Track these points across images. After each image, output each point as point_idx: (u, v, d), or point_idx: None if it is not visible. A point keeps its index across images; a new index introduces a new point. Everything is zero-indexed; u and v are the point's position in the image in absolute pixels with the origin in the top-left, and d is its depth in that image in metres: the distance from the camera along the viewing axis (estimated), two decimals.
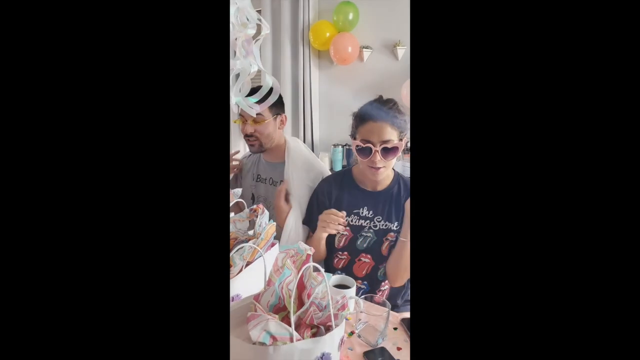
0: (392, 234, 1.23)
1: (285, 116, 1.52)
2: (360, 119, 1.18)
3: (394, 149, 1.14)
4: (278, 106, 1.46)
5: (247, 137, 1.47)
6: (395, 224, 1.23)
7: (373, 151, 1.14)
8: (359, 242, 1.27)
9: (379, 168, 1.16)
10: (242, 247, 0.86)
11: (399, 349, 0.89)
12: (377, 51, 2.66)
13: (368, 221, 1.25)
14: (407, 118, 1.19)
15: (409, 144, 1.29)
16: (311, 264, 0.69)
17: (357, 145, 1.17)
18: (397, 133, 1.15)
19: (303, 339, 0.63)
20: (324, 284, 0.68)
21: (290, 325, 0.60)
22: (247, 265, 0.92)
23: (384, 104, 1.18)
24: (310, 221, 1.39)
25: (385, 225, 1.24)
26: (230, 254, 0.83)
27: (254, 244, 0.91)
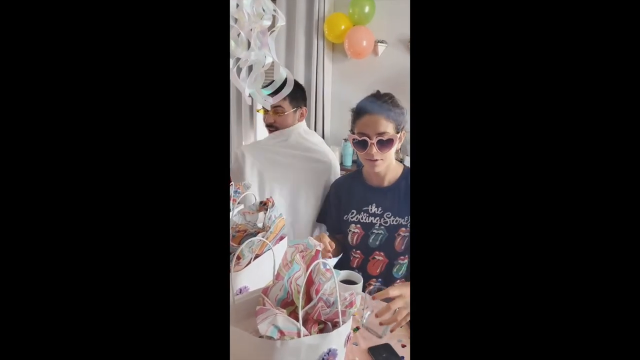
0: (403, 229, 1.23)
1: (305, 109, 1.56)
2: (357, 113, 1.23)
3: (389, 141, 1.17)
4: (299, 99, 1.52)
5: (268, 126, 1.54)
6: (406, 218, 1.23)
7: (369, 144, 1.17)
8: (371, 240, 1.27)
9: (376, 160, 1.19)
10: (251, 241, 0.87)
11: (403, 345, 0.89)
12: (392, 46, 2.64)
13: (378, 218, 1.26)
14: (405, 111, 1.22)
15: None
16: (320, 260, 0.69)
17: (353, 139, 1.21)
18: (392, 126, 1.18)
19: (310, 334, 0.63)
20: (333, 280, 0.68)
21: (297, 320, 0.61)
22: (255, 257, 0.93)
23: (380, 98, 1.22)
24: (324, 220, 1.44)
25: (396, 221, 1.24)
26: (240, 247, 0.83)
27: (263, 237, 0.92)
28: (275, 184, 1.47)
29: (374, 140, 1.16)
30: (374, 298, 0.93)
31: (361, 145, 1.19)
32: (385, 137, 1.16)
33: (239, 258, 0.88)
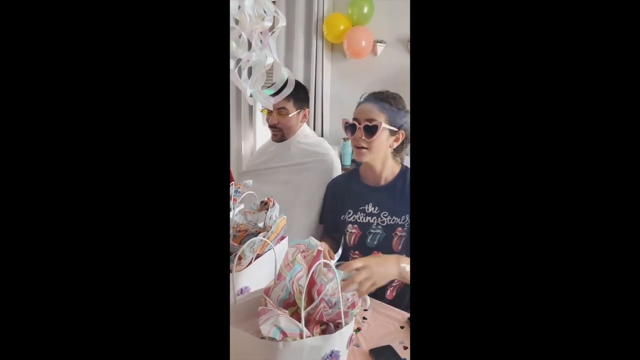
0: (400, 228, 1.23)
1: (308, 110, 1.58)
2: (357, 104, 1.28)
3: (374, 127, 1.19)
4: (302, 101, 1.53)
5: (271, 127, 1.55)
6: (402, 217, 1.22)
7: (357, 128, 1.21)
8: (368, 240, 1.26)
9: (361, 148, 1.22)
10: (252, 241, 0.86)
11: (405, 347, 0.89)
12: (391, 46, 2.63)
13: (375, 217, 1.26)
14: (405, 112, 1.24)
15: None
16: (322, 260, 0.69)
17: (345, 123, 1.25)
18: (385, 117, 1.20)
19: (312, 335, 0.63)
20: (335, 281, 0.68)
21: (300, 321, 0.61)
22: (256, 257, 0.92)
23: (381, 93, 1.26)
24: (322, 220, 1.45)
25: (393, 220, 1.23)
26: (241, 247, 0.83)
27: (264, 237, 0.91)
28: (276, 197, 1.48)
29: (362, 125, 1.20)
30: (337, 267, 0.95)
31: (350, 128, 1.23)
32: (371, 123, 1.19)
33: (240, 258, 0.87)
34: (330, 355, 0.62)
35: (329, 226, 1.41)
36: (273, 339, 0.59)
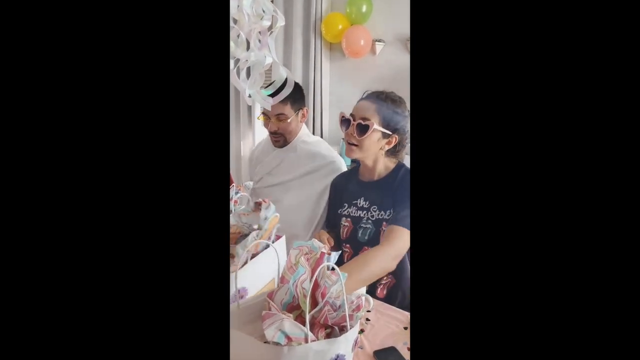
0: (385, 223, 1.21)
1: (306, 109, 1.55)
2: (358, 100, 1.28)
3: (366, 127, 1.19)
4: (299, 101, 1.50)
5: (272, 134, 1.51)
6: (387, 212, 1.21)
7: (351, 124, 1.21)
8: (359, 234, 1.26)
9: (352, 145, 1.22)
10: (245, 240, 0.85)
11: (409, 348, 0.88)
12: (390, 44, 2.63)
13: (365, 212, 1.26)
14: (403, 116, 1.23)
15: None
16: (326, 262, 0.68)
17: (342, 117, 1.25)
18: (378, 119, 1.20)
19: (317, 339, 0.62)
20: (339, 284, 0.67)
21: (304, 325, 0.60)
22: (252, 257, 0.91)
23: (382, 94, 1.25)
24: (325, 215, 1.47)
25: (380, 215, 1.23)
26: (236, 247, 0.82)
27: (257, 236, 0.91)
28: (283, 198, 1.47)
29: (356, 122, 1.20)
30: None
31: (345, 123, 1.23)
32: (364, 122, 1.19)
33: (232, 257, 0.86)
34: (336, 359, 0.61)
35: (330, 221, 1.42)
36: (278, 344, 0.58)
